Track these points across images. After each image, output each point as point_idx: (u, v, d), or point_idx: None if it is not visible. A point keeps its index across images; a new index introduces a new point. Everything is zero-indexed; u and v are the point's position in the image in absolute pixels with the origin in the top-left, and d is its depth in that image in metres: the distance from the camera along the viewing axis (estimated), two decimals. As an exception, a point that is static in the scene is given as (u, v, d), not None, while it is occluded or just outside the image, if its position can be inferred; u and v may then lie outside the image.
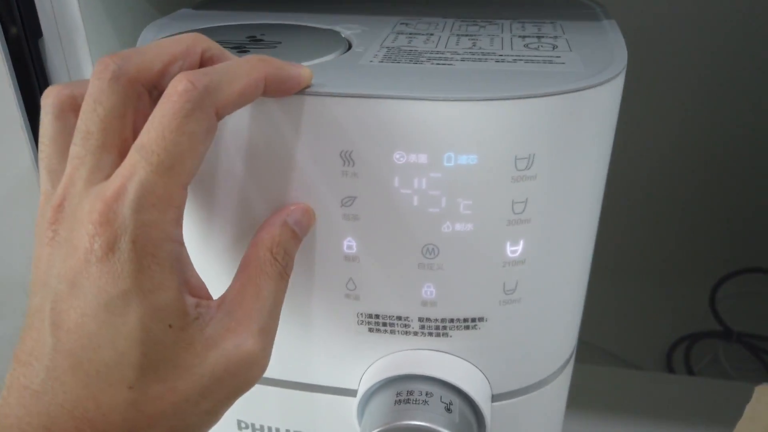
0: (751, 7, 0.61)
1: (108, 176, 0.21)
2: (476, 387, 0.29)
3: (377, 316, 0.29)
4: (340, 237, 0.27)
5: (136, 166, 0.21)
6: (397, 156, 0.25)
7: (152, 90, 0.23)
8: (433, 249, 0.27)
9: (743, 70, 0.65)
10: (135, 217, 0.20)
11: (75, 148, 0.22)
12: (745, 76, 0.65)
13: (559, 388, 0.34)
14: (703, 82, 0.66)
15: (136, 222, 0.20)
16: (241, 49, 0.29)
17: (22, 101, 0.36)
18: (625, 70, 0.27)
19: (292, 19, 0.35)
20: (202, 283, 0.23)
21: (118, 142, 0.22)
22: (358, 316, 0.29)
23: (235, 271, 0.25)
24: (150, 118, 0.21)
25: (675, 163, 0.71)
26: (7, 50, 0.35)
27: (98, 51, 0.37)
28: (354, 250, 0.27)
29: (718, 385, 0.61)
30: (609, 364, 0.69)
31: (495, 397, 0.30)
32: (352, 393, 0.31)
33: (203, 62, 0.24)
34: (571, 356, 0.34)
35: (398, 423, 0.26)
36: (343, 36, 0.32)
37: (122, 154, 0.22)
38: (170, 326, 0.21)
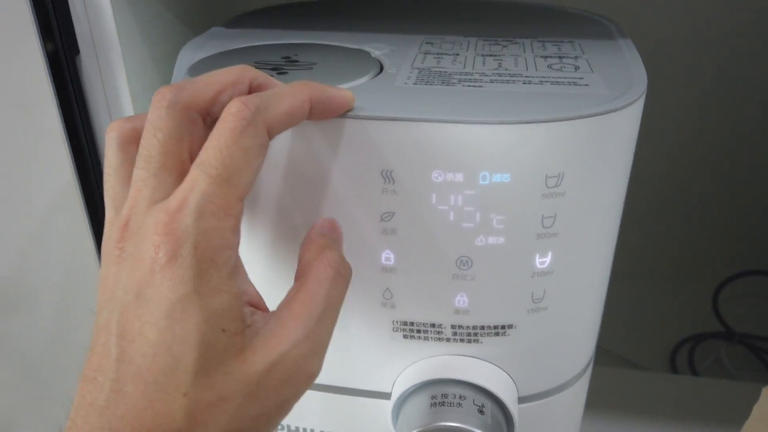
0: (758, 12, 0.62)
1: (170, 194, 0.23)
2: (505, 390, 0.31)
3: (412, 324, 0.30)
4: (379, 249, 0.29)
5: (196, 179, 0.22)
6: (435, 174, 0.27)
7: (206, 116, 0.25)
8: (466, 261, 0.28)
9: (744, 77, 0.66)
10: (196, 225, 0.22)
11: (138, 172, 0.23)
12: (746, 82, 0.66)
13: (580, 390, 0.35)
14: (705, 88, 0.67)
15: (198, 229, 0.22)
16: (279, 71, 0.31)
17: (62, 116, 0.38)
18: (645, 92, 0.29)
19: (319, 37, 0.37)
20: (260, 295, 0.25)
21: (177, 164, 0.24)
22: (393, 324, 0.31)
23: (276, 284, 0.26)
24: (208, 138, 0.23)
25: (678, 166, 0.72)
26: (48, 66, 0.37)
27: (133, 67, 0.39)
28: (392, 262, 0.29)
29: (721, 385, 0.62)
30: (614, 365, 0.69)
31: (521, 399, 0.32)
32: (386, 396, 0.33)
33: (251, 90, 0.26)
34: (590, 360, 0.35)
35: (436, 424, 0.28)
36: (373, 56, 0.34)
37: (181, 175, 0.23)
38: (223, 330, 0.22)
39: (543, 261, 0.28)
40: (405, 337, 0.31)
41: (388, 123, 0.26)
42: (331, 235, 0.28)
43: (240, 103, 0.23)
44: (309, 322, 0.24)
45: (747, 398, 0.41)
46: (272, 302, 0.25)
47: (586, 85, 0.29)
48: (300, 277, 0.25)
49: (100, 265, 0.25)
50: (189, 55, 0.35)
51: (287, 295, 0.25)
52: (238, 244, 0.23)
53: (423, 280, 0.29)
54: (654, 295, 0.77)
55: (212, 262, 0.22)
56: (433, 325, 0.30)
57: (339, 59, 0.33)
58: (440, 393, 0.30)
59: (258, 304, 0.24)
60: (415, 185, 0.27)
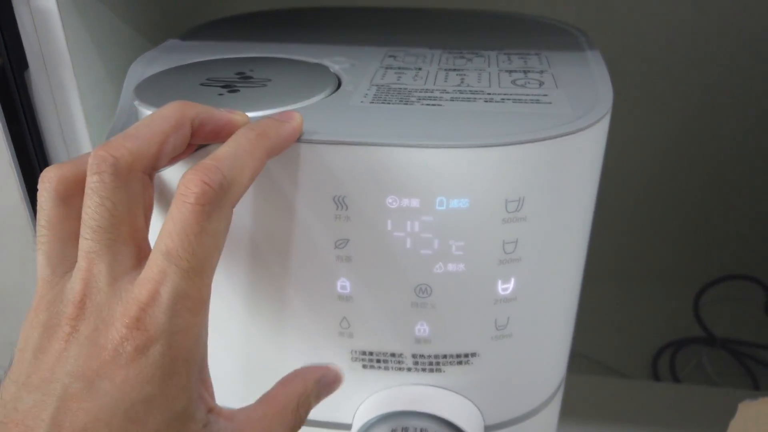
0: (748, 9, 0.61)
1: (129, 269, 0.21)
2: (470, 420, 0.29)
3: (371, 353, 0.29)
4: (334, 277, 0.27)
5: (166, 271, 0.20)
6: (390, 200, 0.25)
7: (151, 172, 0.23)
8: (425, 288, 0.27)
9: (730, 83, 0.65)
10: (171, 323, 0.20)
11: (88, 243, 0.21)
12: (732, 87, 0.65)
13: (550, 416, 0.34)
14: (689, 93, 0.67)
15: (173, 328, 0.20)
16: (231, 89, 0.29)
17: (9, 134, 0.36)
18: (610, 111, 0.28)
19: (278, 50, 0.35)
20: (211, 387, 0.23)
21: (132, 233, 0.22)
22: (352, 353, 0.29)
23: (234, 318, 0.25)
24: (168, 219, 0.21)
25: (657, 171, 0.72)
26: (-7, 83, 0.35)
27: (86, 82, 0.37)
28: (348, 290, 0.28)
29: (703, 391, 0.61)
30: (594, 373, 0.69)
31: (488, 428, 0.31)
32: (346, 427, 0.31)
33: (194, 132, 0.24)
34: (560, 385, 0.34)
35: (395, 461, 0.27)
36: (332, 71, 0.32)
37: (138, 245, 0.22)
38: None
39: (506, 287, 0.27)
40: (364, 367, 0.30)
41: (340, 147, 0.25)
42: (329, 387, 0.27)
43: (202, 183, 0.21)
44: None
45: (729, 404, 0.41)
46: (230, 334, 0.24)
47: (549, 103, 0.28)
48: (269, 402, 0.25)
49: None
50: (140, 70, 0.34)
51: (249, 413, 0.24)
52: (207, 336, 0.22)
53: (381, 309, 0.28)
54: (634, 300, 0.76)
55: (185, 363, 0.21)
56: (393, 355, 0.29)
57: (295, 74, 0.32)
58: (401, 426, 0.28)
59: (211, 403, 0.23)
60: (370, 211, 0.26)
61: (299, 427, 0.25)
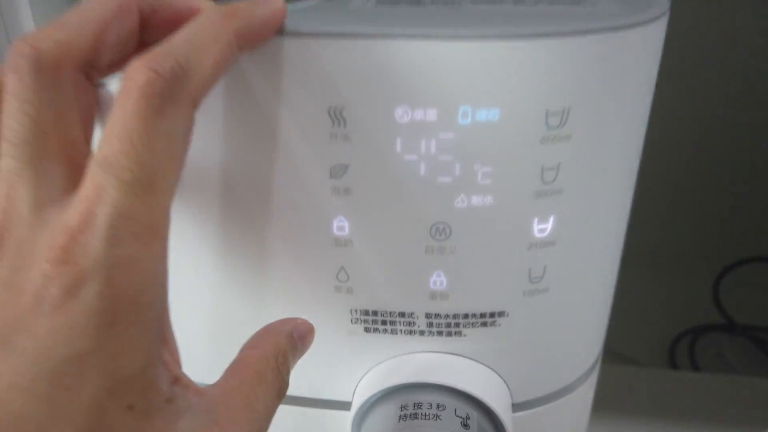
0: None
1: (60, 192, 0.16)
2: (496, 396, 0.24)
3: (375, 313, 0.24)
4: (329, 216, 0.22)
5: (103, 186, 0.15)
6: (400, 112, 0.20)
7: (90, 71, 0.18)
8: (444, 229, 0.22)
9: (749, 70, 0.63)
10: (109, 253, 0.15)
11: (7, 161, 0.16)
12: (749, 74, 0.63)
13: (586, 394, 0.29)
14: (703, 78, 0.64)
15: (112, 259, 0.15)
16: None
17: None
18: (668, 12, 0.23)
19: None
20: (179, 356, 0.18)
21: (65, 147, 0.17)
22: (351, 314, 0.24)
23: (203, 272, 0.20)
24: (108, 122, 0.16)
25: (675, 152, 0.69)
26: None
27: (42, 14, 0.32)
28: (346, 232, 0.22)
29: (723, 381, 0.58)
30: (608, 361, 0.66)
31: (516, 407, 0.26)
32: (345, 406, 0.26)
33: (144, 20, 0.19)
34: (599, 357, 0.29)
35: (405, 445, 0.22)
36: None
37: (72, 161, 0.17)
38: (130, 408, 0.16)
39: (543, 228, 0.22)
40: (367, 330, 0.24)
41: (337, 42, 0.19)
42: (304, 340, 0.22)
43: (148, 69, 0.16)
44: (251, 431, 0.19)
45: (751, 395, 0.41)
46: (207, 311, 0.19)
47: (594, 3, 0.22)
48: (242, 369, 0.20)
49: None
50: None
51: (223, 386, 0.19)
52: (167, 276, 0.17)
53: (388, 256, 0.23)
54: (650, 285, 0.73)
55: (132, 307, 0.16)
56: (402, 315, 0.24)
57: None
58: (412, 402, 0.23)
59: (177, 371, 0.18)
60: (373, 128, 0.20)
61: (285, 391, 0.20)
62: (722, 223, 0.72)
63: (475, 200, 0.21)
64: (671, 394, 0.56)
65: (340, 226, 0.22)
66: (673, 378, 0.61)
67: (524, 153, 0.21)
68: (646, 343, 0.68)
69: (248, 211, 0.23)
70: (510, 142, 0.20)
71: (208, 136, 0.21)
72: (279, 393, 0.20)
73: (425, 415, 0.23)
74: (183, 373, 0.18)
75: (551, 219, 0.22)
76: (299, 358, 0.22)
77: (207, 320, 0.25)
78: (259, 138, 0.21)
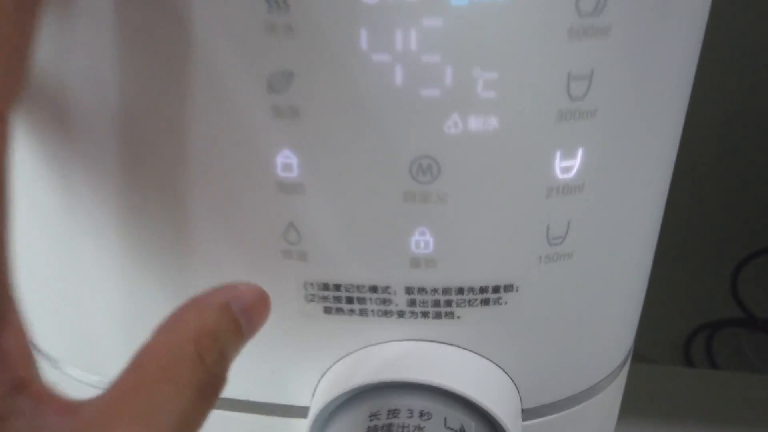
0: None
1: None
2: (500, 399, 0.18)
3: (337, 288, 0.18)
4: (270, 150, 0.16)
5: None
6: (365, -12, 0.14)
7: None
8: (429, 166, 0.16)
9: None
10: None
11: None
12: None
13: (613, 399, 0.23)
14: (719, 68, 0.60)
15: None
16: None
17: None
18: None
19: None
20: (30, 352, 0.13)
21: None
22: (306, 288, 0.18)
23: (103, 241, 0.13)
24: None
25: (691, 144, 0.66)
26: None
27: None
28: (294, 172, 0.16)
29: (742, 378, 0.57)
30: None
31: (527, 414, 0.20)
32: (301, 413, 0.20)
33: None
34: (630, 351, 0.23)
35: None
36: None
37: None
38: None
39: (568, 166, 0.16)
40: (327, 311, 0.18)
41: None
42: (250, 315, 0.16)
43: None
44: None
45: None
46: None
47: None
48: (144, 362, 0.14)
49: None
50: None
51: (114, 390, 0.13)
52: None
53: (351, 206, 0.16)
54: (664, 277, 0.71)
55: None
56: (374, 290, 0.18)
57: None
58: (386, 408, 0.17)
59: (23, 371, 0.12)
60: (329, 13, 0.14)
61: (216, 389, 0.14)
62: (740, 212, 0.70)
63: (474, 123, 0.15)
64: (687, 393, 0.54)
65: (286, 164, 0.16)
66: (689, 376, 0.59)
67: (545, 51, 0.14)
68: (659, 340, 0.65)
69: (157, 149, 0.16)
70: (524, 34, 0.14)
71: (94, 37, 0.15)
72: (203, 392, 0.14)
73: (403, 426, 0.16)
74: (39, 377, 0.12)
75: (579, 153, 0.16)
76: (246, 340, 0.15)
77: (110, 304, 0.19)
78: (166, 37, 0.15)
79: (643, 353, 0.64)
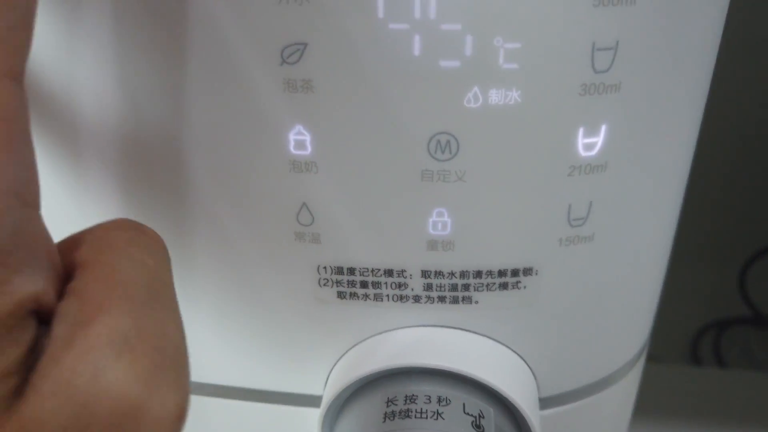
0: None
1: None
2: (519, 386, 0.17)
3: (352, 272, 0.17)
4: (282, 126, 0.15)
5: None
6: (382, -45, 0.13)
7: None
8: (448, 142, 0.15)
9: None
10: None
11: None
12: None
13: (629, 389, 0.23)
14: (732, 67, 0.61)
15: None
16: None
17: None
18: None
19: None
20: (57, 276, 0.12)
21: None
22: (319, 272, 0.17)
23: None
24: None
25: (700, 141, 0.66)
26: None
27: None
28: (307, 150, 0.15)
29: (750, 378, 0.57)
30: None
31: (544, 402, 0.19)
32: (313, 402, 0.19)
33: None
34: (647, 340, 0.22)
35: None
36: None
37: None
38: None
39: (591, 142, 0.15)
40: (341, 296, 0.18)
41: None
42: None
43: None
44: (131, 306, 0.12)
45: None
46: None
47: None
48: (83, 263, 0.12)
49: None
50: None
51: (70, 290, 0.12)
52: (32, 165, 0.11)
53: (367, 186, 0.16)
54: (672, 276, 0.69)
55: None
56: (389, 273, 0.17)
57: None
58: (403, 394, 0.16)
59: (48, 302, 0.11)
60: (344, -19, 0.14)
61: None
62: (749, 210, 0.69)
63: (495, 97, 0.14)
64: (695, 392, 0.54)
65: (299, 141, 0.15)
66: (697, 375, 0.59)
67: (570, 19, 0.14)
68: (667, 338, 0.62)
69: (166, 129, 0.16)
70: (549, 2, 0.14)
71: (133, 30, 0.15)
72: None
73: (421, 412, 0.16)
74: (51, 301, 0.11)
75: (603, 129, 0.15)
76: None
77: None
78: (175, 8, 0.14)
79: (651, 352, 0.63)
